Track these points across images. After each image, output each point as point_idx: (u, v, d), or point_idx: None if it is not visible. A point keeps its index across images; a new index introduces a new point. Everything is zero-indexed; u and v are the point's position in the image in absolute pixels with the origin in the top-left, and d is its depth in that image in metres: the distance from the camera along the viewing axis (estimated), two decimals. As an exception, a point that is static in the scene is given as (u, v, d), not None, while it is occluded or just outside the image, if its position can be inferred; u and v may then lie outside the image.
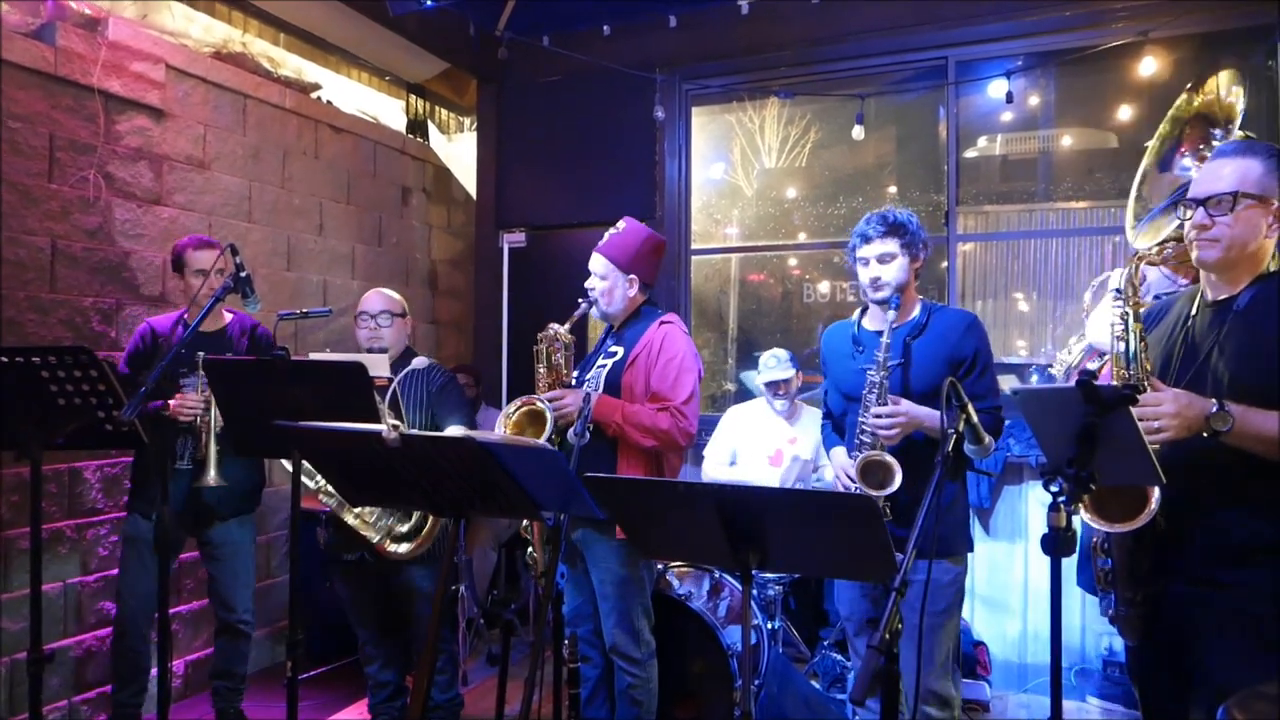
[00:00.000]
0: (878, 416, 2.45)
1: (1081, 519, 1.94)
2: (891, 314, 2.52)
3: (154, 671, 3.37)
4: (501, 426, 2.76)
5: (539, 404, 2.73)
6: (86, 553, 3.61)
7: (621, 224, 2.97)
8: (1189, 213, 1.94)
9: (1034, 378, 4.66)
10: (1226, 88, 2.45)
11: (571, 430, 2.59)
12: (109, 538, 3.67)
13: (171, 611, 3.83)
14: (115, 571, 3.48)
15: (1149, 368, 1.95)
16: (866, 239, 2.61)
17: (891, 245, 2.58)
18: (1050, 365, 3.04)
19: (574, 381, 2.87)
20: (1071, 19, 4.26)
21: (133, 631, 3.22)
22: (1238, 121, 2.41)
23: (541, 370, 2.83)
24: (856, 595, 2.69)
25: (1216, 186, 1.90)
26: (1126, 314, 1.98)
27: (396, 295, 3.30)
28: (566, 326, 2.84)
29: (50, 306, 3.47)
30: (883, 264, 2.59)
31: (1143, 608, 2.00)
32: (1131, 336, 1.96)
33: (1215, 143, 2.40)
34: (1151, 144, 2.59)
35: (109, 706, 3.30)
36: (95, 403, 2.41)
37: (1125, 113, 4.70)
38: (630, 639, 2.81)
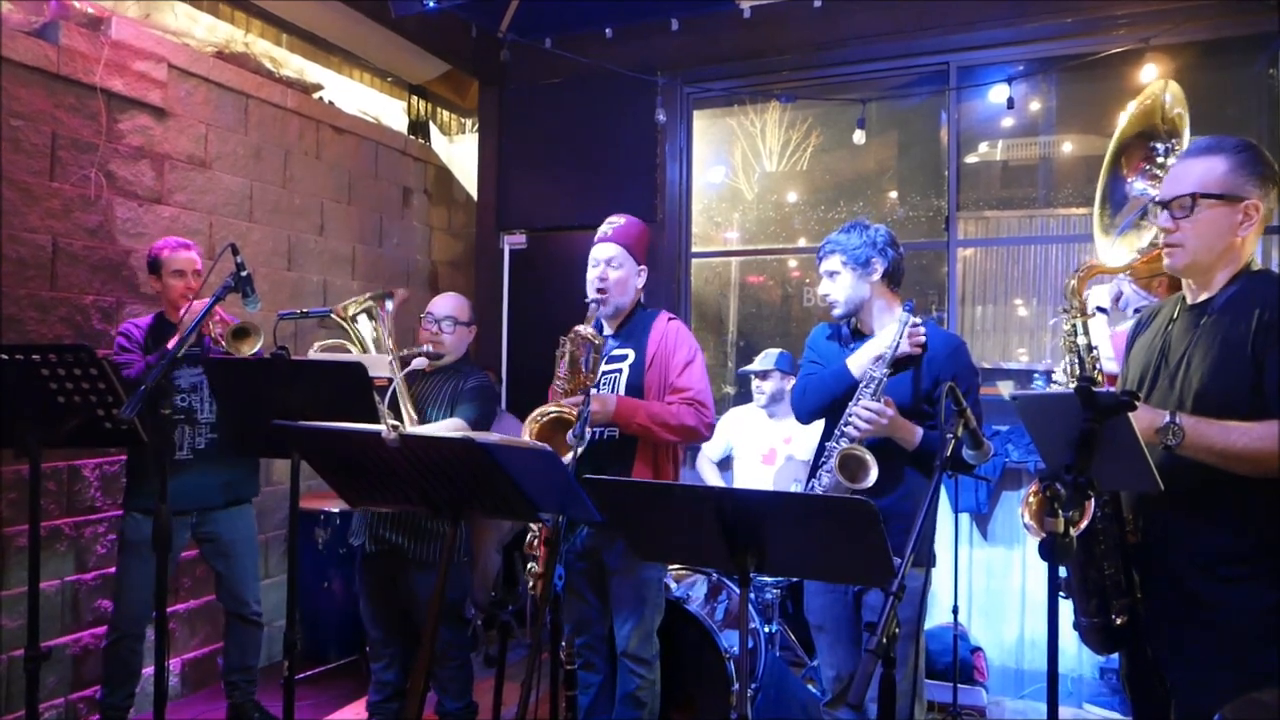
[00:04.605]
0: (865, 408, 2.40)
1: (1025, 523, 2.01)
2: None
3: (147, 672, 3.38)
4: (527, 432, 2.61)
5: (568, 412, 2.57)
6: (84, 550, 3.60)
7: (619, 217, 2.91)
8: (1157, 212, 1.92)
9: (1038, 382, 4.66)
10: (1172, 98, 2.39)
11: (571, 432, 2.57)
12: (107, 536, 3.66)
13: (169, 610, 3.84)
14: (113, 570, 3.47)
15: (1099, 379, 2.01)
16: (820, 256, 2.63)
17: (834, 262, 2.59)
18: (1052, 372, 3.01)
19: (596, 385, 2.72)
20: (1073, 25, 4.26)
21: (131, 634, 3.22)
22: (1185, 134, 2.34)
23: (562, 374, 2.68)
24: (828, 602, 2.62)
25: (1178, 188, 1.86)
26: (1074, 324, 2.05)
27: (467, 302, 3.20)
28: (593, 329, 2.69)
29: (50, 304, 3.47)
30: (831, 281, 2.60)
31: (1099, 618, 1.98)
32: (1080, 347, 2.03)
33: (1159, 159, 2.35)
34: (1101, 176, 2.51)
35: (98, 710, 3.30)
36: (95, 401, 2.41)
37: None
38: (645, 642, 2.81)
